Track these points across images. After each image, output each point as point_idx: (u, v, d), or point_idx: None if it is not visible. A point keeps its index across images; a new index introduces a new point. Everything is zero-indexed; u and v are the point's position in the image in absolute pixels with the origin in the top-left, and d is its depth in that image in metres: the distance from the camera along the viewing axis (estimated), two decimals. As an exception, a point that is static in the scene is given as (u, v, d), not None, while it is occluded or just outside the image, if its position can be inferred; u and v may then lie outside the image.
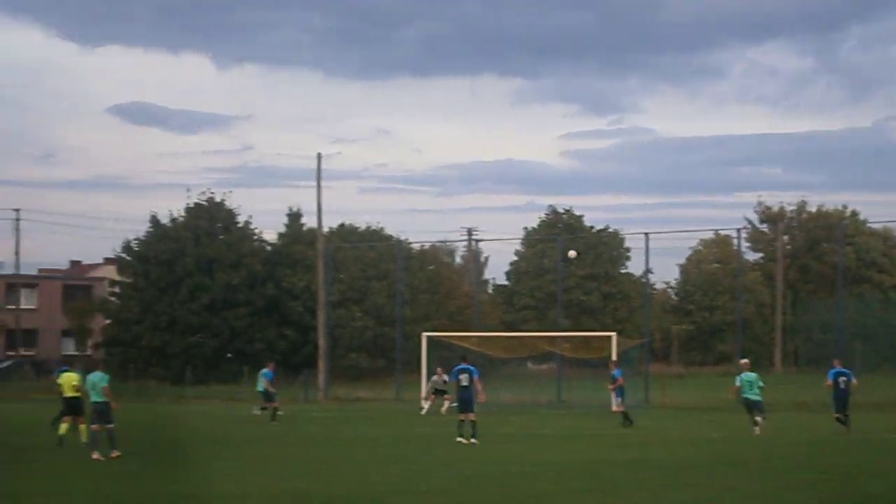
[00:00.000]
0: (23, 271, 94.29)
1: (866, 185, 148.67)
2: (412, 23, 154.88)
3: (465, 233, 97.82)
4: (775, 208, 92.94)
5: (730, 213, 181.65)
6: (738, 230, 62.83)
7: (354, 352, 74.86)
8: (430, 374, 48.69)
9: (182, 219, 79.18)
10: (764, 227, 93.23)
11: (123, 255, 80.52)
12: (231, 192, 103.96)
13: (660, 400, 51.75)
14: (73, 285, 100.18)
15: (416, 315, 72.02)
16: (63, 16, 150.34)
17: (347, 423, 41.76)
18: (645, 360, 58.01)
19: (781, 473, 22.95)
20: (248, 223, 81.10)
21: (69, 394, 29.46)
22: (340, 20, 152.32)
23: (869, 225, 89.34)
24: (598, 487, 20.87)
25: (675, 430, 36.21)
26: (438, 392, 46.90)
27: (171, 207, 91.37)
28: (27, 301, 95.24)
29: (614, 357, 45.47)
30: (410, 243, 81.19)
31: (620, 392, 39.32)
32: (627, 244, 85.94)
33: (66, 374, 30.33)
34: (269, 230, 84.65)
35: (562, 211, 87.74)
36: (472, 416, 30.73)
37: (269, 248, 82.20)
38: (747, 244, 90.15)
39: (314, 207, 64.03)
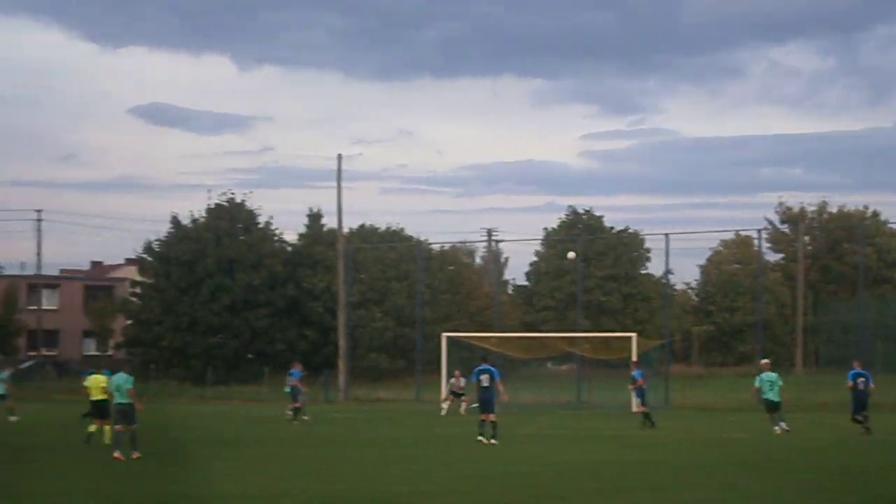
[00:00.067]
0: (44, 272, 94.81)
1: (888, 185, 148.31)
2: (433, 24, 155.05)
3: (485, 233, 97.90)
4: (796, 209, 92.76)
5: (750, 214, 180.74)
6: (759, 231, 62.78)
7: (374, 352, 74.93)
8: (450, 374, 48.79)
9: (203, 219, 79.40)
10: (785, 228, 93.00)
11: (144, 255, 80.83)
12: (251, 192, 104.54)
13: (680, 401, 51.71)
14: (95, 286, 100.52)
15: (436, 315, 72.07)
16: (84, 17, 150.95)
17: (366, 423, 41.82)
18: (665, 361, 57.93)
19: (799, 474, 22.91)
20: (268, 224, 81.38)
21: (97, 396, 29.54)
22: (361, 21, 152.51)
23: (890, 225, 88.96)
24: (616, 488, 20.86)
25: (694, 431, 36.18)
26: (455, 395, 47.01)
27: (192, 208, 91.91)
28: (48, 302, 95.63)
29: (634, 358, 45.45)
30: (430, 244, 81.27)
31: (641, 393, 39.28)
32: (647, 245, 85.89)
33: (93, 377, 30.42)
34: (290, 231, 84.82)
35: (582, 211, 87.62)
36: (492, 417, 30.74)
37: (289, 248, 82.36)
38: (768, 245, 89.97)
39: (334, 208, 64.32)
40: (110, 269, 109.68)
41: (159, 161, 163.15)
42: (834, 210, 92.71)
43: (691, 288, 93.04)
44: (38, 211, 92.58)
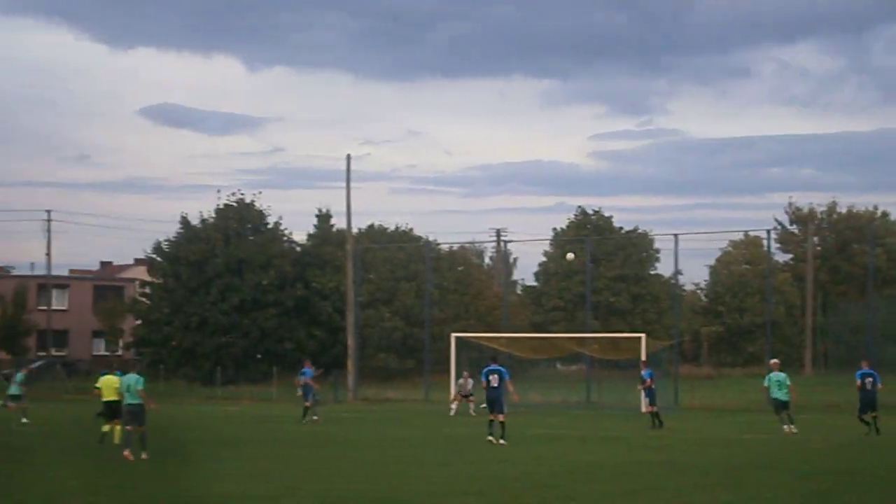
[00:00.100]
0: (54, 272, 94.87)
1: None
2: (442, 24, 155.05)
3: (494, 234, 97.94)
4: (805, 209, 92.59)
5: (760, 214, 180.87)
6: (769, 231, 62.28)
7: (383, 352, 74.93)
8: (459, 375, 48.81)
9: (212, 220, 79.46)
10: (794, 229, 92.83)
11: (154, 255, 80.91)
12: (261, 193, 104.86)
13: (689, 401, 51.67)
14: (104, 286, 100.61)
15: (445, 316, 72.11)
16: (94, 18, 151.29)
17: (375, 423, 41.88)
18: (674, 362, 57.88)
19: (810, 475, 22.88)
20: (277, 224, 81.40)
21: (109, 397, 29.55)
22: (370, 22, 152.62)
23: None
24: (627, 490, 20.84)
25: (704, 432, 36.15)
26: (464, 396, 47.01)
27: (202, 208, 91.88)
28: (58, 302, 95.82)
29: (644, 358, 45.44)
30: (439, 244, 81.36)
31: (650, 393, 39.27)
32: (657, 245, 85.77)
33: (106, 377, 30.43)
34: (299, 231, 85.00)
35: (591, 212, 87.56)
36: (501, 417, 30.74)
37: (298, 248, 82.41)
38: (777, 245, 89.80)
39: (344, 208, 64.39)
40: (120, 270, 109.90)
41: (169, 161, 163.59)
42: (843, 210, 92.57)
43: (700, 288, 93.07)
44: (48, 211, 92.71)
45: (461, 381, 47.61)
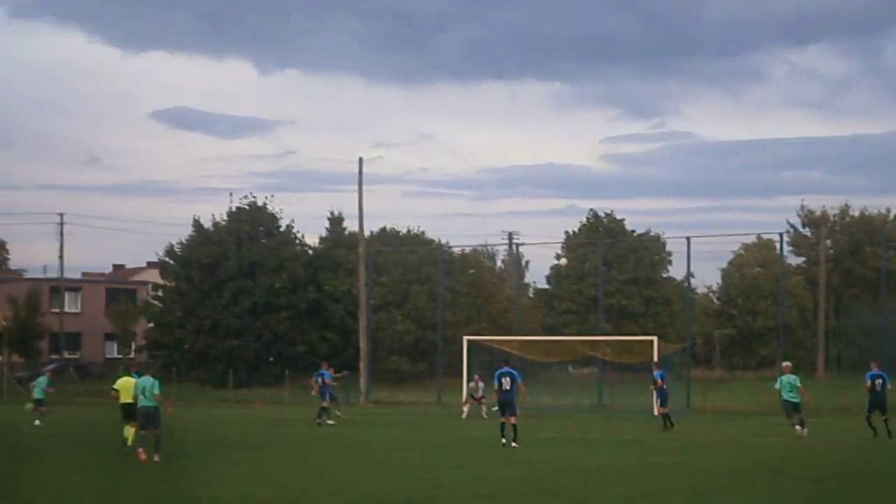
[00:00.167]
0: (66, 275, 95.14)
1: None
2: (454, 28, 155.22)
3: (506, 236, 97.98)
4: (818, 212, 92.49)
5: (772, 217, 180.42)
6: (781, 234, 62.20)
7: (395, 355, 74.98)
8: (471, 378, 48.79)
9: (224, 223, 79.59)
10: (807, 231, 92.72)
11: (166, 258, 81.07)
12: (273, 196, 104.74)
13: (701, 404, 51.59)
14: (117, 289, 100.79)
15: (457, 319, 72.15)
16: (106, 22, 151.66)
17: (387, 426, 41.82)
18: (686, 365, 57.77)
19: (824, 479, 22.86)
20: (289, 227, 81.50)
21: (127, 399, 29.53)
22: (382, 25, 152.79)
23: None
24: (639, 493, 20.81)
25: (717, 435, 36.10)
26: (475, 399, 47.01)
27: (214, 212, 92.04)
28: (71, 305, 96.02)
29: (656, 359, 45.41)
30: (451, 247, 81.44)
31: (661, 394, 39.23)
32: (669, 248, 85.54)
33: (123, 379, 30.43)
34: (311, 234, 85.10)
35: (603, 215, 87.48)
36: (513, 420, 30.72)
37: (310, 251, 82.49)
38: (790, 248, 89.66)
39: (356, 211, 64.35)
40: (132, 273, 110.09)
41: (181, 165, 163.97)
42: (856, 213, 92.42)
43: (713, 291, 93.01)
44: (61, 214, 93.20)
45: (472, 384, 47.61)
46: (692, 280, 70.44)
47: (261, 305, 76.28)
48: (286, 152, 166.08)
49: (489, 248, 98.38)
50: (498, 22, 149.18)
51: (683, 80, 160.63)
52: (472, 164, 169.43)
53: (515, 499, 20.07)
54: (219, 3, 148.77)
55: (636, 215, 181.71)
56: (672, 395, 41.71)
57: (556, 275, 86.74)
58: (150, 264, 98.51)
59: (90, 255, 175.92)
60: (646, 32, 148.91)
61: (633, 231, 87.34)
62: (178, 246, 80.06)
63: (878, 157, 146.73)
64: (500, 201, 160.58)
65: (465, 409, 46.82)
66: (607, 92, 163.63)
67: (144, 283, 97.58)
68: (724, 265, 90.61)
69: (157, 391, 26.96)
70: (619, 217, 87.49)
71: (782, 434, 33.99)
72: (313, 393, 43.72)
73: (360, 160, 63.40)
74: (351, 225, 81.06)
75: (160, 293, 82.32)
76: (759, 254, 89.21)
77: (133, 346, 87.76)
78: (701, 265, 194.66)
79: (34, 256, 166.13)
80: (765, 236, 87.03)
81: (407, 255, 77.97)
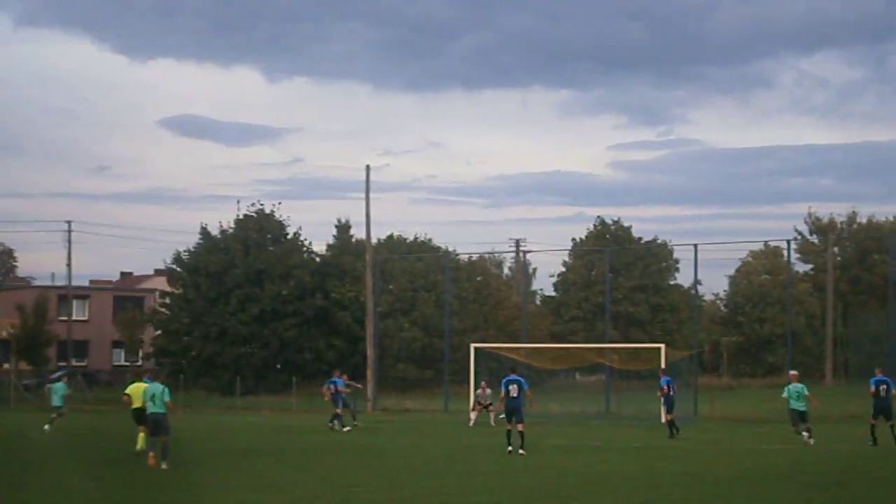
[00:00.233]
0: (74, 283, 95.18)
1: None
2: (462, 35, 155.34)
3: (513, 244, 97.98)
4: (826, 219, 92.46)
5: (780, 225, 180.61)
6: (789, 241, 62.14)
7: (402, 362, 74.95)
8: (478, 385, 48.78)
9: (232, 230, 79.66)
10: (814, 239, 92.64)
11: (174, 266, 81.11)
12: (281, 203, 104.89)
13: (708, 412, 51.52)
14: (124, 297, 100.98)
15: (465, 326, 72.14)
16: (115, 30, 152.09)
17: (394, 433, 41.85)
18: (694, 373, 57.74)
19: (828, 487, 22.84)
20: (297, 234, 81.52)
21: (138, 404, 29.54)
22: (391, 33, 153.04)
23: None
24: (648, 500, 20.83)
25: (724, 443, 36.06)
26: (482, 406, 47.00)
27: (222, 219, 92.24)
28: (78, 312, 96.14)
29: (663, 366, 45.43)
30: (458, 254, 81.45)
31: (667, 400, 39.22)
32: (676, 255, 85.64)
33: (135, 385, 30.48)
34: (319, 241, 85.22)
35: (610, 222, 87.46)
36: (520, 427, 30.74)
37: (318, 259, 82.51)
38: (797, 255, 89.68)
39: (363, 219, 64.31)
40: (140, 280, 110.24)
41: (189, 172, 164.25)
42: (864, 220, 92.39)
43: (720, 299, 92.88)
44: (69, 222, 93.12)
45: (479, 391, 47.61)
46: (699, 287, 70.57)
47: (268, 313, 76.32)
48: (294, 160, 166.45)
49: (496, 255, 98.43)
50: (506, 30, 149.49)
51: (691, 87, 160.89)
52: (480, 172, 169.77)
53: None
54: (227, 10, 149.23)
55: (643, 222, 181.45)
56: (679, 402, 41.67)
57: (563, 282, 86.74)
58: (158, 272, 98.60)
59: (98, 263, 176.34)
60: (653, 40, 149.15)
61: (641, 238, 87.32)
62: (186, 253, 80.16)
63: (885, 164, 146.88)
64: (507, 208, 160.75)
65: (473, 416, 46.79)
66: (615, 99, 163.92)
67: (152, 290, 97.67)
68: (732, 272, 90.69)
69: (167, 398, 27.02)
70: (626, 224, 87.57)
71: (790, 441, 33.96)
72: (326, 399, 43.93)
73: (368, 168, 63.47)
74: (358, 232, 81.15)
75: (167, 301, 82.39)
76: (767, 261, 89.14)
77: (140, 354, 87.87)
78: (708, 272, 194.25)
79: (42, 264, 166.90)
80: (772, 243, 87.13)
81: (414, 262, 77.99)
